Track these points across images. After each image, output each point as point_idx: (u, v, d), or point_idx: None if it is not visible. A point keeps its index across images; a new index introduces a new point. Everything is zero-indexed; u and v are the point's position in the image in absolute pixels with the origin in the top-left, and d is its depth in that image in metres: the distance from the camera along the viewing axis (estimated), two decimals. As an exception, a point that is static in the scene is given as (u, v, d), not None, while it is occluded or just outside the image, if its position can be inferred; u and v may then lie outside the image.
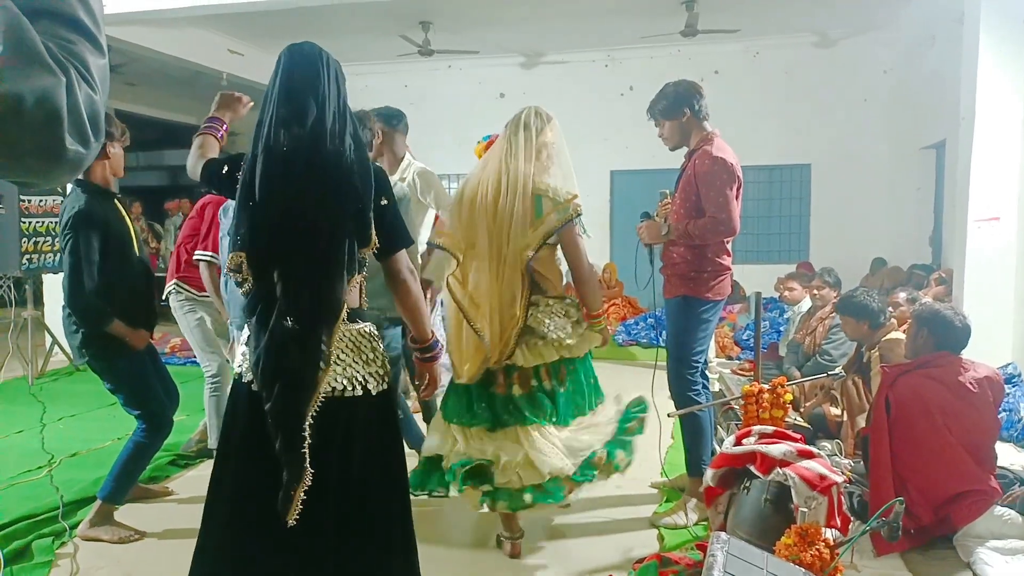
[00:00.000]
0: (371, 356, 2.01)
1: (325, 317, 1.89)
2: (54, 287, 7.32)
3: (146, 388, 3.18)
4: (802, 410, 4.29)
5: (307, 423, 1.87)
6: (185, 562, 2.97)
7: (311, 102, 1.90)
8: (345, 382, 1.94)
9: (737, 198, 3.20)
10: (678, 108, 3.27)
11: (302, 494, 1.86)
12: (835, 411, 4.02)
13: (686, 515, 3.24)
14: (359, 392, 1.96)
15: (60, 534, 3.17)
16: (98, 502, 3.18)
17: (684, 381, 3.30)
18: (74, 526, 3.23)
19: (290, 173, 1.90)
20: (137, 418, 3.19)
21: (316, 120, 1.90)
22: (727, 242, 3.29)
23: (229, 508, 2.00)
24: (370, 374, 1.99)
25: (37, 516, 3.28)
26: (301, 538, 1.91)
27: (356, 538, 1.98)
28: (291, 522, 1.87)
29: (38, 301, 7.00)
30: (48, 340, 6.80)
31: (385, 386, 2.04)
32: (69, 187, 3.12)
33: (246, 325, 2.00)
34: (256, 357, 1.92)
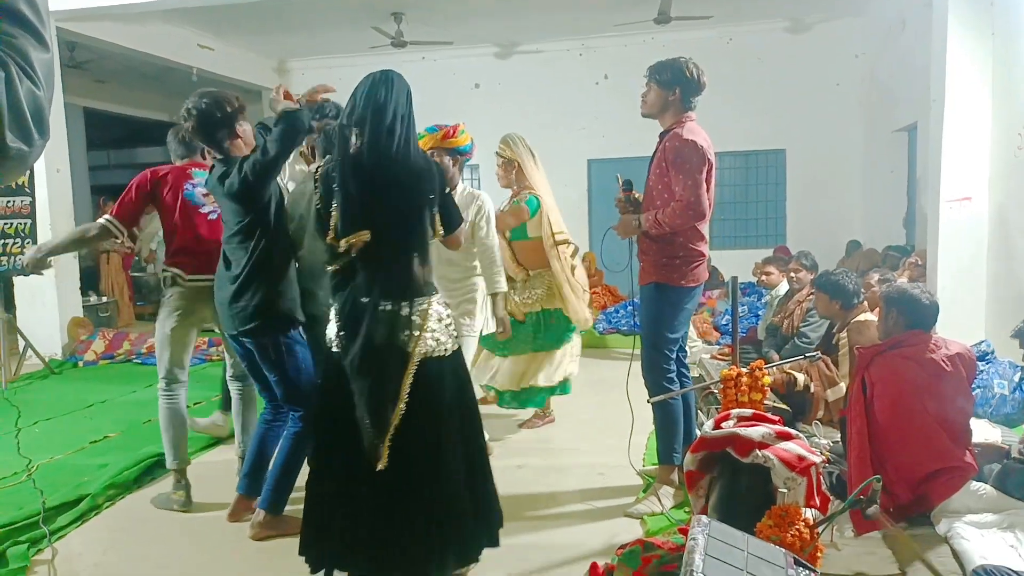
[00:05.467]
0: (447, 321, 2.44)
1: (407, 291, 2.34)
2: (25, 290, 7.19)
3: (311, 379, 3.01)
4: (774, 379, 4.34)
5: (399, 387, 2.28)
6: (164, 565, 2.89)
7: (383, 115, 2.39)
8: (433, 344, 2.35)
9: (708, 181, 3.15)
10: (673, 83, 3.20)
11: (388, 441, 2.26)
12: (801, 378, 4.08)
13: (659, 501, 3.23)
14: (445, 352, 2.39)
15: (38, 540, 3.11)
16: (261, 513, 3.03)
17: (658, 369, 3.27)
18: (54, 531, 3.18)
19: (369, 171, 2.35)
20: (281, 404, 3.07)
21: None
22: (701, 228, 3.24)
23: (332, 459, 2.39)
24: (449, 336, 2.42)
25: (15, 524, 3.21)
26: (390, 479, 2.27)
27: (440, 475, 2.33)
28: (381, 467, 2.25)
29: (9, 304, 6.86)
30: (21, 343, 6.68)
31: (457, 344, 2.48)
32: (210, 161, 3.01)
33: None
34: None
